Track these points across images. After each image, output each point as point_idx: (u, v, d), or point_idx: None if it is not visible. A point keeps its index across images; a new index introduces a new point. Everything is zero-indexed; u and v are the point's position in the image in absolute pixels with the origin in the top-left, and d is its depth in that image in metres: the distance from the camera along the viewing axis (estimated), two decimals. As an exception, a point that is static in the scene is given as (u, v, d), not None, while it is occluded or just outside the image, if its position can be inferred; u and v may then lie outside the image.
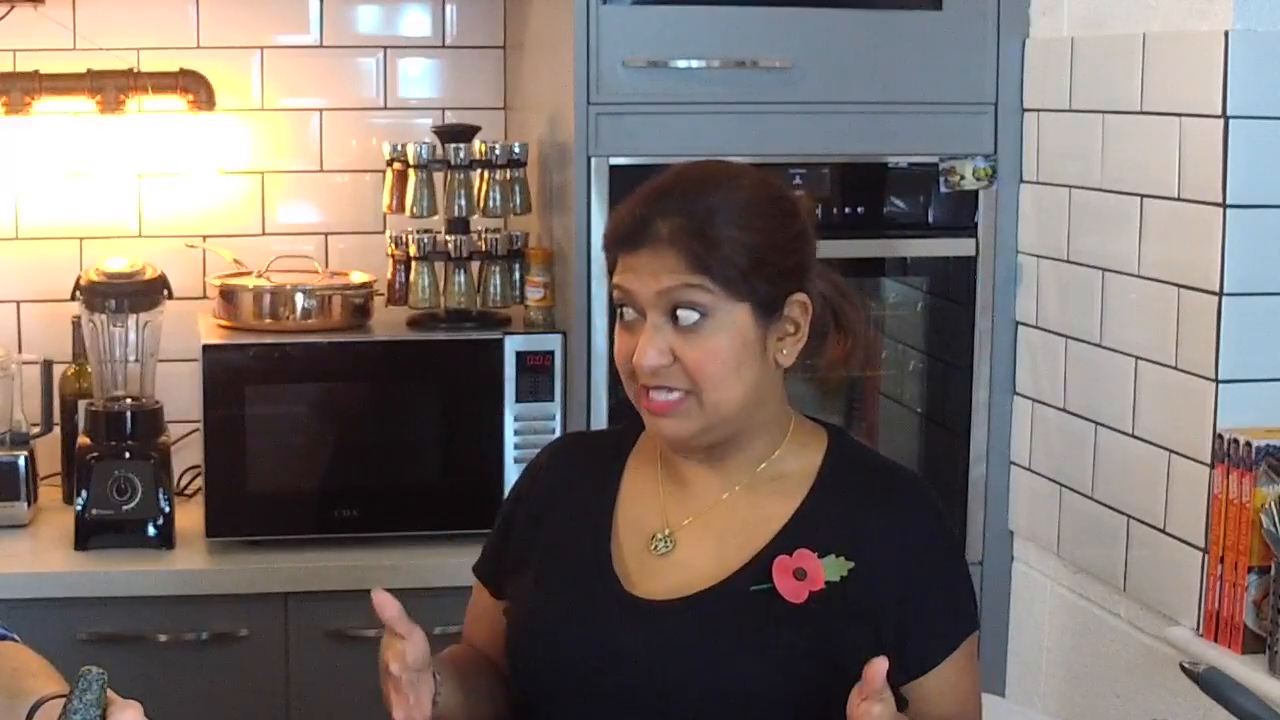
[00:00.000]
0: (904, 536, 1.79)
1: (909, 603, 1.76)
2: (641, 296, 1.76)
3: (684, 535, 1.83)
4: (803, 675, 1.73)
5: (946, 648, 1.79)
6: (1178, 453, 2.43)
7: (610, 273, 1.82)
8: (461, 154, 2.93)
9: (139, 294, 2.94)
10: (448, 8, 3.33)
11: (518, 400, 2.87)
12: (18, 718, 1.44)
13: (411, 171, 2.94)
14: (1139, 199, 2.52)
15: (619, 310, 1.81)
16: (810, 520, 1.79)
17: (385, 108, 3.33)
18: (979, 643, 1.87)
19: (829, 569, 1.75)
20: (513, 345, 2.88)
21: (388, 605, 1.70)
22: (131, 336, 2.95)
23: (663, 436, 1.81)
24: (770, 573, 1.75)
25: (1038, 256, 2.86)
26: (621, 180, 2.73)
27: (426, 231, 2.98)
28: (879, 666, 1.60)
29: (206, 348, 2.83)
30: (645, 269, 1.75)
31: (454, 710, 1.80)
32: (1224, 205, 2.31)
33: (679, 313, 1.74)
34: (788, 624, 1.73)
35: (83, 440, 2.91)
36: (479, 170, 2.96)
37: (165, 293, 2.98)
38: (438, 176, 2.96)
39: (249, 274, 3.03)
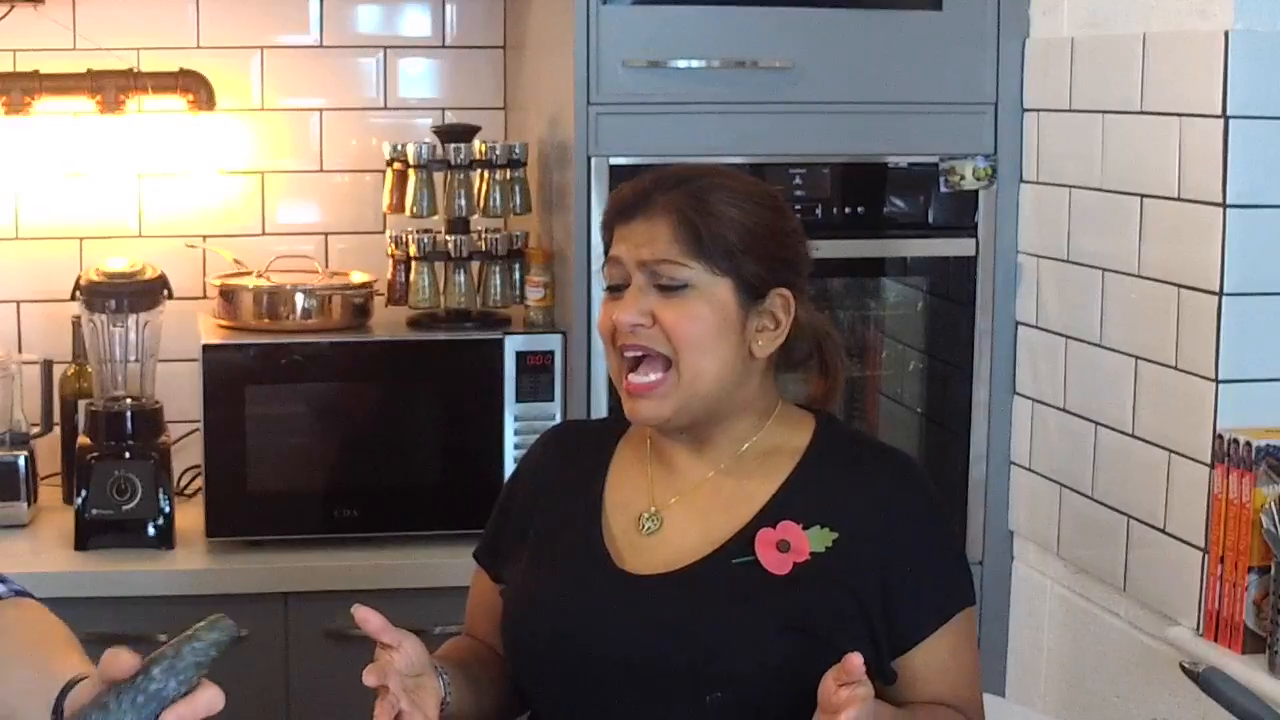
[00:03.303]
0: (889, 509, 1.80)
1: (895, 575, 1.77)
2: (629, 263, 1.80)
3: (670, 514, 1.86)
4: (788, 645, 1.74)
5: (934, 621, 1.79)
6: (1178, 453, 2.43)
7: (605, 256, 1.86)
8: (461, 154, 2.93)
9: (139, 294, 2.94)
10: (448, 8, 3.33)
11: (518, 400, 2.87)
12: (47, 700, 1.41)
13: (411, 171, 2.94)
14: (1139, 199, 2.52)
15: (608, 287, 1.84)
16: (796, 495, 1.82)
17: (385, 108, 3.33)
18: (978, 628, 1.87)
19: (813, 540, 1.77)
20: (513, 345, 2.88)
21: (371, 619, 1.71)
22: (131, 336, 2.95)
23: (638, 419, 1.83)
24: (754, 545, 1.77)
25: (1038, 256, 2.86)
26: (621, 180, 2.71)
27: (426, 231, 2.98)
28: (856, 660, 1.60)
29: (206, 348, 2.83)
30: (637, 237, 1.80)
31: (463, 706, 1.82)
32: (1224, 205, 2.31)
33: (663, 278, 1.78)
34: (771, 595, 1.75)
35: (83, 440, 2.91)
36: (479, 170, 2.96)
37: (165, 293, 2.98)
38: (438, 176, 2.96)
39: (249, 274, 3.03)
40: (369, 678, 1.70)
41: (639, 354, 1.80)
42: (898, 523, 1.80)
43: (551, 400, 2.88)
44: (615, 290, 1.83)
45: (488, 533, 2.02)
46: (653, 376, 1.79)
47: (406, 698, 1.70)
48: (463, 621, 2.06)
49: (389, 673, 1.70)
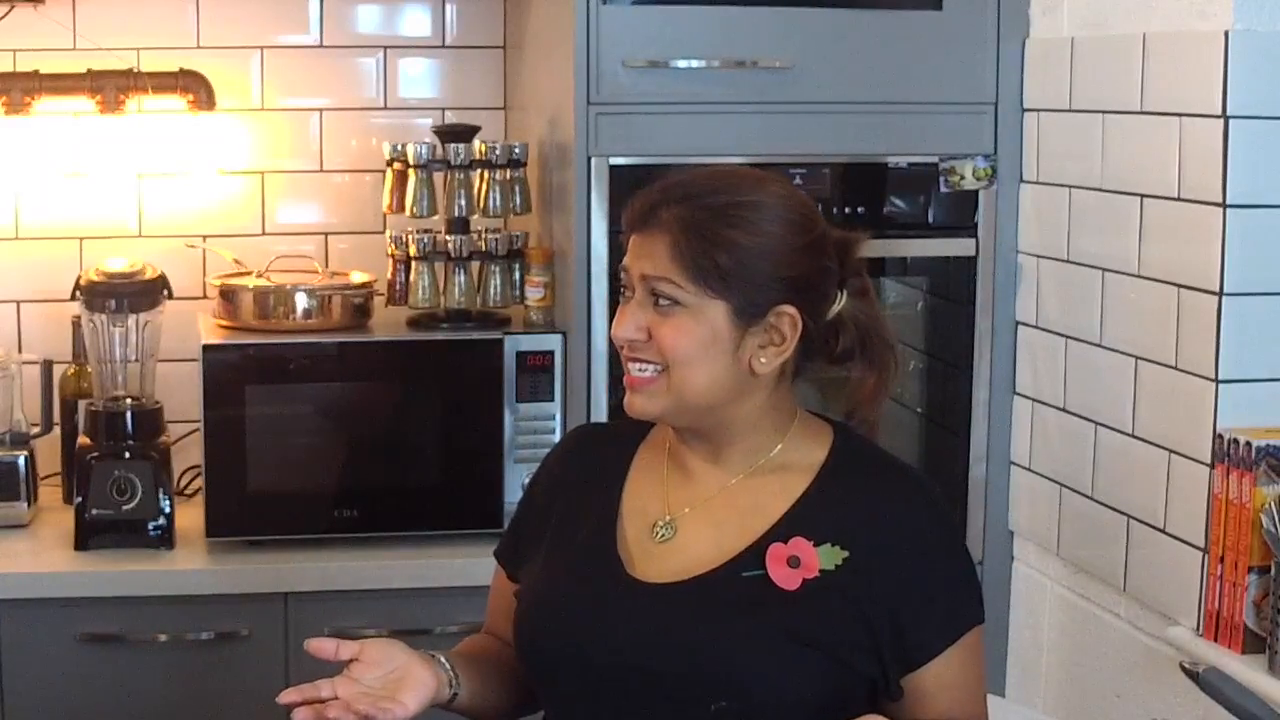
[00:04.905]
0: (900, 528, 1.80)
1: (904, 593, 1.77)
2: (633, 275, 1.82)
3: (684, 523, 1.86)
4: (795, 661, 1.74)
5: (944, 640, 1.79)
6: (1178, 453, 2.43)
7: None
8: (461, 154, 2.93)
9: (139, 294, 2.94)
10: (448, 8, 3.33)
11: (518, 400, 2.87)
12: None
13: (411, 171, 2.94)
14: (1139, 199, 2.52)
15: (622, 290, 1.86)
16: (809, 511, 1.81)
17: (385, 108, 3.33)
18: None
19: (823, 557, 1.77)
20: (513, 345, 2.88)
21: (324, 647, 1.80)
22: (131, 336, 2.95)
23: (632, 412, 1.84)
24: (764, 560, 1.77)
25: (1038, 256, 2.86)
26: (621, 180, 2.73)
27: (426, 231, 2.98)
28: None
29: (206, 348, 2.83)
30: (640, 251, 1.81)
31: (475, 697, 1.86)
32: (1224, 205, 2.32)
33: (660, 295, 1.79)
34: (779, 610, 1.76)
35: (83, 440, 2.91)
36: (479, 170, 2.96)
37: (165, 293, 2.98)
38: (438, 176, 2.96)
39: (249, 274, 3.03)
40: (341, 689, 1.76)
41: (638, 366, 1.82)
42: (907, 543, 1.80)
43: (551, 400, 2.88)
44: (626, 296, 1.84)
45: (507, 532, 2.03)
46: (649, 372, 1.81)
47: (369, 699, 1.75)
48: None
49: (338, 682, 1.76)
